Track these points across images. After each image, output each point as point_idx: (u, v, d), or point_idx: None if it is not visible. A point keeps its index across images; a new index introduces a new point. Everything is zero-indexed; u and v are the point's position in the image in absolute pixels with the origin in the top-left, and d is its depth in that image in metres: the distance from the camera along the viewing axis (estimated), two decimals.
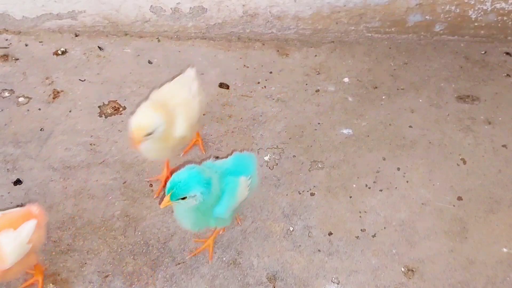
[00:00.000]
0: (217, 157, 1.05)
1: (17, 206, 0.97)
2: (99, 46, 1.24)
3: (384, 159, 1.05)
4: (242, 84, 1.18)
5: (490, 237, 0.94)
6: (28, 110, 1.11)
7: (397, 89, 1.16)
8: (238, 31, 1.25)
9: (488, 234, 0.95)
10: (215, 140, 1.08)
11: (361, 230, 0.96)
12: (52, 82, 1.17)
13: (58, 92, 1.14)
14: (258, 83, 1.18)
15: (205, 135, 1.08)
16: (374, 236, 0.95)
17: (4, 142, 1.05)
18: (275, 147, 1.07)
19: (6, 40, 1.26)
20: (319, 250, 0.93)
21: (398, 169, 1.04)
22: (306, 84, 1.18)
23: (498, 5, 1.17)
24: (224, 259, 0.91)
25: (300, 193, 1.00)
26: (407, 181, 1.02)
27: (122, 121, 1.11)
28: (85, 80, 1.17)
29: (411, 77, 1.21)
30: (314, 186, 1.01)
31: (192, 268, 0.91)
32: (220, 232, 0.95)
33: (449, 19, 1.21)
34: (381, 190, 1.01)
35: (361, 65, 1.20)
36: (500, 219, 0.97)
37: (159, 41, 1.26)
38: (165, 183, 0.89)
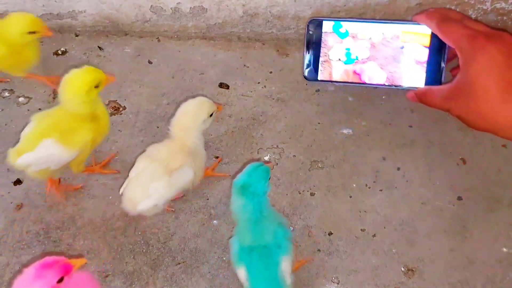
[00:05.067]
0: (217, 157, 1.05)
1: (17, 205, 0.97)
2: (99, 46, 1.24)
3: (384, 158, 1.05)
4: (242, 83, 1.18)
5: (490, 237, 0.94)
6: (28, 110, 1.11)
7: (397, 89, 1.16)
8: (238, 31, 1.25)
9: (488, 234, 0.95)
10: (215, 140, 1.08)
11: (361, 229, 0.96)
12: (52, 82, 1.17)
13: (58, 92, 1.14)
14: (258, 83, 1.18)
15: (205, 135, 1.08)
16: (374, 235, 0.95)
17: (4, 142, 1.05)
18: (275, 146, 1.07)
19: None
20: (319, 250, 0.93)
21: (398, 168, 1.04)
22: (306, 84, 1.18)
23: (498, 5, 1.17)
24: (224, 258, 0.92)
25: (300, 193, 1.00)
26: (407, 181, 1.02)
27: (122, 121, 1.11)
28: None
29: None
30: (314, 186, 1.01)
31: (192, 268, 0.91)
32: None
33: None
34: (381, 190, 1.01)
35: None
36: (500, 218, 0.97)
37: (159, 41, 1.26)
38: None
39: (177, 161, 0.89)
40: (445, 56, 0.98)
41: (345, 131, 1.09)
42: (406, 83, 1.01)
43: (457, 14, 0.93)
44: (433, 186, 1.01)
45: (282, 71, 1.21)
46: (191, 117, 0.91)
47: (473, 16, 1.19)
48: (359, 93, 1.16)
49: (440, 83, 0.99)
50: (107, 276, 0.89)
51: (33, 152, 0.86)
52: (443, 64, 0.99)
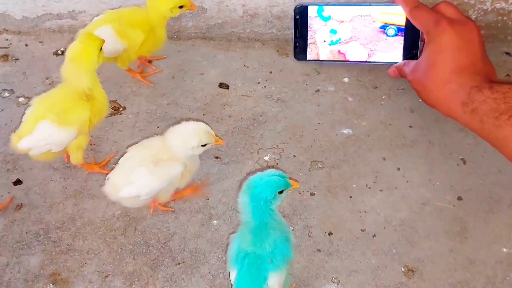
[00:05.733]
0: (217, 157, 1.05)
1: (17, 206, 0.97)
2: None
3: (384, 159, 1.05)
4: (242, 84, 1.18)
5: (490, 237, 0.94)
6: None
7: (397, 89, 1.16)
8: (238, 31, 1.25)
9: (488, 234, 0.95)
10: None
11: (361, 230, 0.96)
12: (52, 82, 1.17)
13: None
14: (258, 83, 1.18)
15: None
16: (374, 236, 0.95)
17: (4, 142, 1.05)
18: (275, 147, 1.07)
19: (6, 40, 1.26)
20: (319, 250, 0.93)
21: (398, 169, 1.04)
22: (306, 84, 1.18)
23: (498, 5, 1.17)
24: (224, 258, 0.91)
25: (300, 193, 1.00)
26: (407, 181, 1.02)
27: (122, 121, 1.11)
28: None
29: None
30: (314, 186, 1.01)
31: (192, 268, 0.91)
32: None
33: None
34: (381, 190, 1.01)
35: (361, 65, 1.20)
36: (500, 219, 0.97)
37: None
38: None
39: (167, 153, 0.87)
40: (420, 33, 1.09)
41: (345, 132, 1.09)
42: (386, 59, 1.15)
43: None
44: (433, 187, 1.01)
45: (282, 72, 1.20)
46: (180, 140, 0.88)
47: (473, 16, 1.19)
48: (359, 93, 1.16)
49: (417, 58, 1.11)
50: (107, 276, 0.89)
51: (31, 135, 0.88)
52: (418, 41, 1.12)
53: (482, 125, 0.88)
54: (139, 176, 0.85)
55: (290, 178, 0.80)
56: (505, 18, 1.19)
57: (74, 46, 0.93)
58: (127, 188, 0.85)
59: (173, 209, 0.97)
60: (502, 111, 0.85)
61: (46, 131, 0.89)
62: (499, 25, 1.21)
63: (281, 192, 0.79)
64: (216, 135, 0.90)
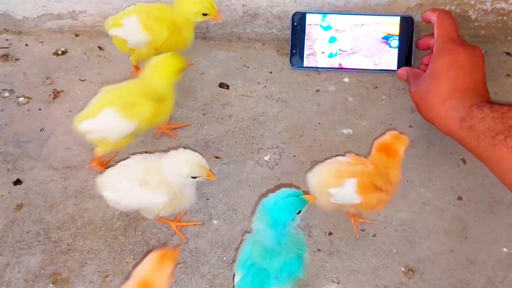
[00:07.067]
0: (217, 157, 1.05)
1: (17, 205, 0.97)
2: (100, 46, 1.24)
3: None
4: (242, 84, 1.18)
5: (490, 237, 0.95)
6: (28, 110, 1.11)
7: (397, 89, 1.16)
8: (238, 31, 1.25)
9: (488, 234, 0.95)
10: (215, 140, 1.08)
11: (361, 230, 0.96)
12: (53, 82, 1.17)
13: (58, 92, 1.14)
14: (258, 83, 1.18)
15: (205, 135, 1.08)
16: (374, 236, 0.95)
17: (4, 142, 1.05)
18: (275, 147, 1.07)
19: (7, 40, 1.26)
20: (319, 250, 0.93)
21: None
22: (307, 84, 1.18)
23: (498, 5, 1.17)
24: (225, 258, 0.92)
25: None
26: (407, 181, 1.02)
27: None
28: (85, 80, 1.17)
29: None
30: None
31: (192, 268, 0.91)
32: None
33: None
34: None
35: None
36: (500, 219, 0.97)
37: None
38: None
39: (159, 179, 0.86)
40: (414, 42, 1.14)
41: (345, 131, 1.09)
42: (381, 66, 1.16)
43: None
44: (433, 187, 1.01)
45: (283, 72, 1.20)
46: (171, 167, 0.85)
47: (473, 16, 1.19)
48: (359, 93, 1.16)
49: (410, 65, 1.15)
50: (107, 276, 0.89)
51: (94, 118, 0.92)
52: (412, 48, 1.15)
53: (478, 142, 0.88)
54: (123, 188, 0.86)
55: (305, 193, 0.78)
56: (505, 18, 1.19)
57: (167, 59, 0.99)
58: (111, 192, 0.87)
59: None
60: (498, 130, 0.85)
61: (109, 118, 0.92)
62: (499, 25, 1.21)
63: (299, 212, 0.77)
64: (209, 170, 0.87)
